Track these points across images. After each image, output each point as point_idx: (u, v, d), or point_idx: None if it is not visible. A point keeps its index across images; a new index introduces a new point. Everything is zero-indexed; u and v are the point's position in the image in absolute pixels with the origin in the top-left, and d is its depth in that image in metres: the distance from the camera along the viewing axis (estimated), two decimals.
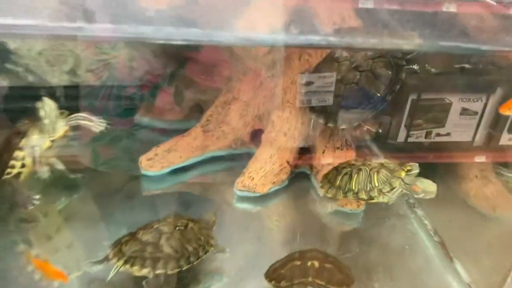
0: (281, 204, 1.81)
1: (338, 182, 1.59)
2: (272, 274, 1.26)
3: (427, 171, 1.54)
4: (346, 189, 1.55)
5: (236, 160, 1.99)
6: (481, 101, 1.68)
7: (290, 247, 1.49)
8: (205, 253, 1.36)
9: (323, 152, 1.87)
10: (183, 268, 1.29)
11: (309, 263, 1.24)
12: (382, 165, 1.55)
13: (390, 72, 1.65)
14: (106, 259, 1.34)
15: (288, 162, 1.85)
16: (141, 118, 2.19)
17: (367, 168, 1.56)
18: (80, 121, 1.61)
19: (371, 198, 1.51)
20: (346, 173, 1.58)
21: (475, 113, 1.70)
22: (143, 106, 2.23)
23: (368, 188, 1.52)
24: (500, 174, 1.87)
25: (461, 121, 1.75)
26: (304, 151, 1.93)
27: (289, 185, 1.86)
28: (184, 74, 2.20)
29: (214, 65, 2.13)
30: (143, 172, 1.83)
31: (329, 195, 1.61)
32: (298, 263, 1.25)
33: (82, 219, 1.64)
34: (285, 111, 1.87)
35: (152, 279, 1.26)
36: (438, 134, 1.82)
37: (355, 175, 1.55)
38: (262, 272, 1.32)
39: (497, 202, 1.78)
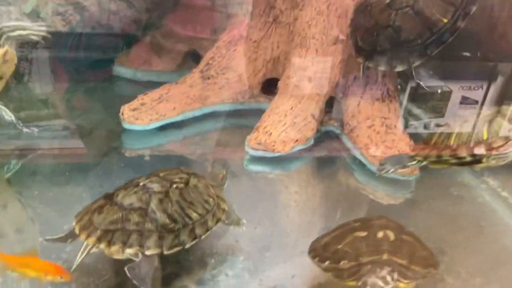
0: (307, 168, 1.40)
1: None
2: (323, 252, 0.84)
3: None
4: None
5: (243, 117, 1.56)
6: (482, 89, 1.46)
7: (324, 223, 1.08)
8: (216, 222, 0.94)
9: (358, 105, 1.45)
10: (186, 246, 0.88)
11: (380, 234, 0.82)
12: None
13: None
14: (71, 235, 0.91)
15: (313, 116, 1.43)
16: (121, 68, 1.75)
17: None
18: (10, 33, 1.15)
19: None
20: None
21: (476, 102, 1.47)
22: (124, 54, 1.78)
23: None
24: None
25: None
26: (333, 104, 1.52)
27: (315, 146, 1.44)
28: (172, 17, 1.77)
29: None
30: (125, 125, 1.39)
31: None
32: (363, 234, 0.83)
33: (40, 187, 1.18)
34: (310, 50, 1.45)
35: (140, 263, 0.84)
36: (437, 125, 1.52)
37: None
38: (289, 253, 0.91)
39: None
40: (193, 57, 1.75)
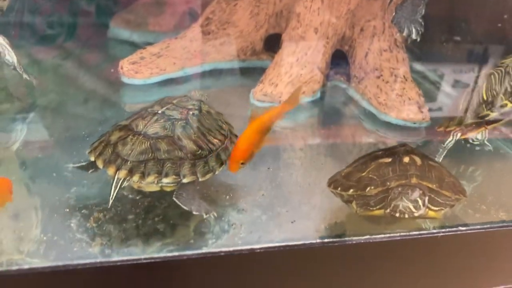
0: (315, 120, 1.35)
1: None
2: (345, 181, 0.79)
3: None
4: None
5: (245, 75, 1.50)
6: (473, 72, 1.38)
7: (314, 190, 1.03)
8: None
9: (366, 56, 1.40)
10: (216, 172, 0.87)
11: (406, 159, 0.78)
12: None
13: None
14: (92, 166, 0.87)
15: (320, 69, 1.38)
16: (117, 30, 1.67)
17: None
18: None
19: None
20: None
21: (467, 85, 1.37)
22: (120, 15, 1.71)
23: None
24: None
25: None
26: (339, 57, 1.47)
27: (321, 99, 1.39)
28: None
29: None
30: (125, 80, 1.33)
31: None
32: (388, 160, 0.78)
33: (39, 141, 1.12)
34: None
35: (185, 189, 0.83)
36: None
37: None
38: (307, 191, 0.86)
39: None
40: (192, 17, 1.68)
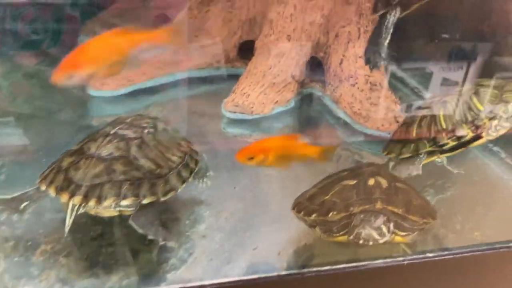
0: (288, 130, 1.31)
1: None
2: (309, 205, 0.75)
3: None
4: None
5: (219, 83, 1.46)
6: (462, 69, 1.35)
7: (307, 185, 0.99)
8: (196, 164, 0.90)
9: (341, 63, 1.36)
10: (178, 190, 0.83)
11: (371, 181, 0.74)
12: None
13: None
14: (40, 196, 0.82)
15: (293, 77, 1.35)
16: (88, 38, 1.60)
17: None
18: None
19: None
20: None
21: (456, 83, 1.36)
22: (90, 23, 1.66)
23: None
24: None
25: None
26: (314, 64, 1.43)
27: (296, 108, 1.36)
28: None
29: None
30: (92, 92, 1.28)
31: None
32: (352, 182, 0.74)
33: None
34: (288, 5, 1.36)
35: (141, 213, 0.78)
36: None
37: None
38: (270, 214, 0.84)
39: None
40: (164, 22, 1.63)
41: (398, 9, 1.14)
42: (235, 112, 1.27)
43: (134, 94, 1.34)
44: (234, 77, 1.40)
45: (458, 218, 0.91)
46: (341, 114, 1.31)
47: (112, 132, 0.83)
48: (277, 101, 1.31)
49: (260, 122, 1.29)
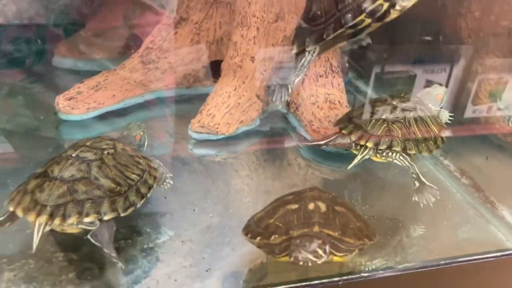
0: (253, 149, 1.37)
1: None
2: (255, 228, 0.81)
3: None
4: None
5: (189, 103, 1.52)
6: (445, 71, 1.42)
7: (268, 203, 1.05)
8: (154, 180, 0.97)
9: (303, 82, 1.43)
10: (137, 206, 0.90)
11: (311, 206, 0.80)
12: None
13: None
14: (9, 219, 0.88)
15: (258, 96, 1.41)
16: (61, 59, 1.67)
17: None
18: None
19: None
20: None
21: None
22: (64, 44, 1.71)
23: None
24: None
25: None
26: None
27: (261, 126, 1.41)
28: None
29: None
30: (62, 116, 1.33)
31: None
32: (295, 207, 0.80)
33: None
34: (251, 28, 1.42)
35: (101, 229, 0.86)
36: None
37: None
38: (231, 234, 0.88)
39: None
40: (135, 43, 1.69)
41: (317, 49, 1.18)
42: (201, 133, 1.32)
43: (105, 116, 1.39)
44: (205, 95, 1.46)
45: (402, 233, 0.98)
46: (302, 132, 1.38)
47: (73, 155, 0.91)
48: (242, 121, 1.37)
49: (226, 141, 1.34)
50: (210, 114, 1.35)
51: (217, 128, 1.32)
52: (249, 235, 0.81)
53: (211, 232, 0.98)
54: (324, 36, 1.11)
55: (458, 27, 1.46)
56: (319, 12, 1.11)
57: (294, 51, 1.21)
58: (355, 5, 1.05)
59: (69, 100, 1.35)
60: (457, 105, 1.45)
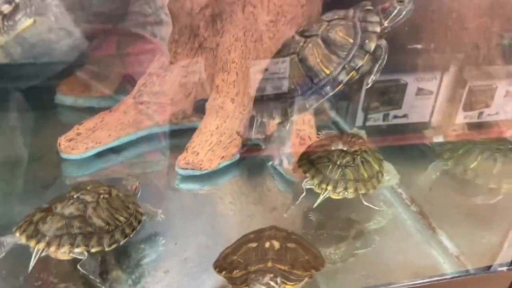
0: (233, 182, 1.54)
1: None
2: (222, 263, 0.98)
3: None
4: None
5: (178, 137, 1.69)
6: (436, 79, 1.52)
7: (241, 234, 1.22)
8: (139, 223, 1.16)
9: None
10: (121, 243, 1.09)
11: (267, 244, 0.97)
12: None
13: (351, 40, 1.15)
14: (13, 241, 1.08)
15: (238, 133, 1.57)
16: (63, 96, 1.85)
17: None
18: None
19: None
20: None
21: (431, 92, 1.53)
22: (65, 82, 1.89)
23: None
24: None
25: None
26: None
27: (241, 160, 1.59)
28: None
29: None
30: (63, 155, 1.50)
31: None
32: (254, 245, 0.98)
33: None
34: (231, 73, 1.59)
35: (88, 260, 1.04)
36: (395, 116, 1.62)
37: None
38: (208, 265, 1.04)
39: None
40: (130, 82, 1.86)
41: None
42: (186, 169, 1.49)
43: (101, 154, 1.56)
44: (191, 129, 1.63)
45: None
46: (277, 166, 1.54)
47: (75, 196, 1.11)
48: (223, 157, 1.53)
49: (209, 176, 1.51)
50: (194, 152, 1.51)
51: (201, 164, 1.49)
52: (217, 269, 0.98)
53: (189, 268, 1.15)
54: (307, 106, 1.19)
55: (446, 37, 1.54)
56: (292, 86, 1.20)
57: (277, 121, 1.28)
58: (331, 79, 1.14)
59: (69, 141, 1.52)
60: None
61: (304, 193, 1.33)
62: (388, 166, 1.38)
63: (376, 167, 1.30)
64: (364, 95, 1.61)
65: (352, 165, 1.26)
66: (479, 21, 1.51)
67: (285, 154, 1.41)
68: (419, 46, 1.58)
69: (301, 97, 1.18)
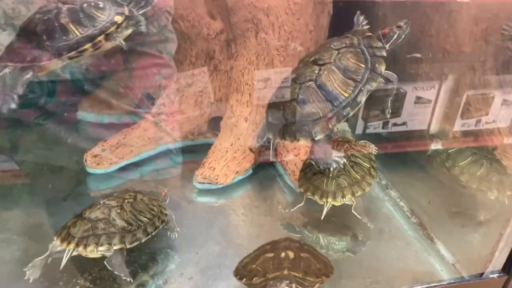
0: (247, 195, 1.66)
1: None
2: (242, 271, 1.10)
3: None
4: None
5: (194, 152, 1.81)
6: (434, 89, 1.59)
7: (260, 243, 1.34)
8: (162, 223, 1.29)
9: None
10: (142, 241, 1.21)
11: (283, 254, 1.09)
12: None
13: (362, 65, 1.28)
14: (51, 252, 1.21)
15: (251, 150, 1.70)
16: (85, 113, 1.97)
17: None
18: None
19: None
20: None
21: (429, 101, 1.61)
22: (87, 99, 2.01)
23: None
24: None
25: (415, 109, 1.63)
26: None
27: (253, 174, 1.71)
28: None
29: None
30: (89, 170, 1.63)
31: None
32: (271, 255, 1.09)
33: (18, 229, 1.41)
34: (244, 94, 1.71)
35: (114, 257, 1.17)
36: (395, 124, 1.69)
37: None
38: (231, 271, 1.16)
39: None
40: (149, 100, 1.98)
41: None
42: (203, 183, 1.62)
43: (124, 168, 1.69)
44: (207, 145, 1.76)
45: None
46: (287, 180, 1.66)
47: (101, 202, 1.26)
48: (237, 171, 1.66)
49: (224, 190, 1.63)
50: (211, 167, 1.64)
51: (217, 179, 1.61)
52: (237, 277, 1.10)
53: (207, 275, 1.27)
54: (330, 127, 1.28)
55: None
56: (314, 110, 1.29)
57: (303, 141, 1.34)
58: (350, 100, 1.26)
59: (95, 157, 1.65)
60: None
61: (302, 204, 1.45)
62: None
63: (366, 164, 1.41)
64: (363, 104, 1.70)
65: (343, 172, 1.38)
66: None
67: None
68: (418, 55, 1.65)
69: (323, 119, 1.28)
